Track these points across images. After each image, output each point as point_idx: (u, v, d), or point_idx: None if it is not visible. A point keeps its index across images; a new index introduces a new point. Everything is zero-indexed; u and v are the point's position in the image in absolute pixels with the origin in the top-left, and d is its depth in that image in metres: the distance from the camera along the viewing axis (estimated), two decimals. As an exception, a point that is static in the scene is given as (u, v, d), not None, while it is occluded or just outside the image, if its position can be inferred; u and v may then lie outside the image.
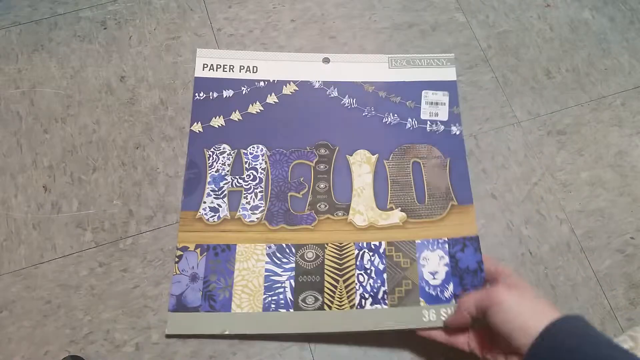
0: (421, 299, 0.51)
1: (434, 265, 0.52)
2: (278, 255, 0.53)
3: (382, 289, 0.52)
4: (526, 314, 0.40)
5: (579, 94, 0.62)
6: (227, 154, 0.57)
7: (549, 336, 0.38)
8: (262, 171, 0.56)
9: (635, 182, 0.58)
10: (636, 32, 0.65)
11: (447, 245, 0.53)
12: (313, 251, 0.53)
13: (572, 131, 0.60)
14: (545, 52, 0.63)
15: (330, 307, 0.51)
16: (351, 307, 0.51)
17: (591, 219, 0.56)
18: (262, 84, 0.60)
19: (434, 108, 0.59)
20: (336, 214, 0.55)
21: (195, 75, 0.60)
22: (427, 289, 0.51)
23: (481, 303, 0.44)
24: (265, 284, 0.52)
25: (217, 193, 0.55)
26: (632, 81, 0.62)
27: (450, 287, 0.51)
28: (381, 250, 0.53)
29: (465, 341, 0.47)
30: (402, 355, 0.50)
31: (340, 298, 0.51)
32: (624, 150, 0.59)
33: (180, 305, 0.51)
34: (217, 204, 0.55)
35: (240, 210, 0.55)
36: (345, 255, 0.53)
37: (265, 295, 0.51)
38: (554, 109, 0.61)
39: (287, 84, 0.60)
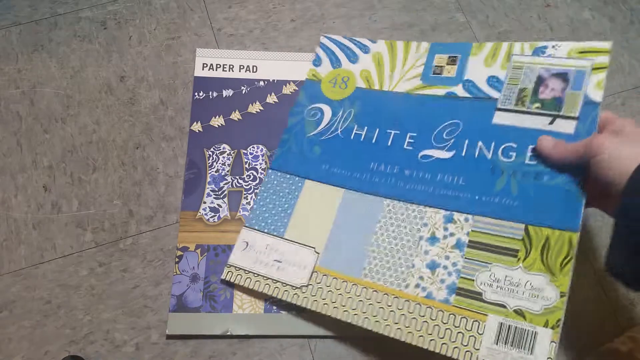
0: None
1: None
2: (278, 255, 0.53)
3: None
4: (628, 158, 0.38)
5: (579, 94, 0.61)
6: (227, 154, 0.57)
7: None
8: (262, 171, 0.56)
9: (635, 182, 0.58)
10: (636, 32, 0.65)
11: None
12: None
13: (572, 131, 0.60)
14: (545, 52, 0.63)
15: None
16: None
17: (591, 218, 0.56)
18: (262, 83, 0.60)
19: None
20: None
21: (195, 75, 0.60)
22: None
23: (582, 154, 0.42)
24: (266, 285, 0.52)
25: (217, 193, 0.55)
26: (632, 81, 0.62)
27: None
28: None
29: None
30: (402, 355, 0.50)
31: None
32: (624, 151, 0.59)
33: (181, 306, 0.51)
34: (217, 204, 0.55)
35: (241, 210, 0.55)
36: None
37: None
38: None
39: (287, 84, 0.60)
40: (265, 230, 0.53)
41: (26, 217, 0.54)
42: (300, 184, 0.54)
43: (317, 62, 0.60)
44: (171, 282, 0.52)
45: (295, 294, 0.49)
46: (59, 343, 0.50)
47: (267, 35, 0.63)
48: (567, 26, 0.65)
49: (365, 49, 0.59)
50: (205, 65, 0.61)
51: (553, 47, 0.51)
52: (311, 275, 0.50)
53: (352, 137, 0.55)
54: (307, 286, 0.49)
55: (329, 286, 0.49)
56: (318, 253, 0.51)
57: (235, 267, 0.51)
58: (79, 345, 0.50)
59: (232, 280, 0.51)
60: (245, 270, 0.51)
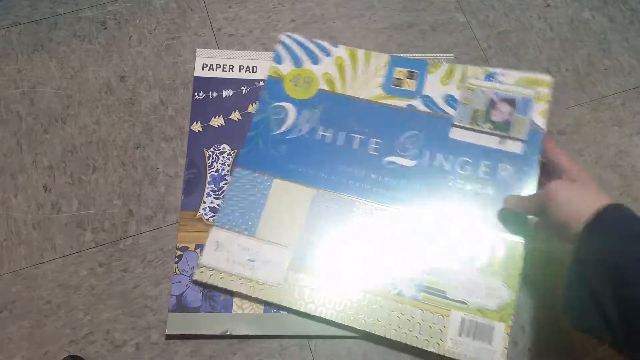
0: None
1: None
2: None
3: None
4: (580, 204, 0.42)
5: (579, 94, 0.61)
6: (227, 154, 0.57)
7: (599, 220, 0.40)
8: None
9: (635, 182, 0.58)
10: (636, 32, 0.65)
11: None
12: None
13: (572, 131, 0.60)
14: (545, 52, 0.63)
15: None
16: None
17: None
18: (261, 83, 0.60)
19: None
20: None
21: (195, 75, 0.60)
22: None
23: (539, 201, 0.46)
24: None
25: (217, 193, 0.55)
26: (632, 81, 0.62)
27: None
28: None
29: None
30: (402, 356, 0.50)
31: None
32: (624, 150, 0.59)
33: (181, 306, 0.51)
34: (217, 204, 0.55)
35: (240, 210, 0.55)
36: None
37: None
38: (553, 109, 0.61)
39: (287, 84, 0.60)
40: (236, 230, 0.52)
41: (26, 217, 0.54)
42: (269, 183, 0.54)
43: (278, 59, 0.60)
44: (171, 282, 0.52)
45: (272, 292, 0.50)
46: (59, 343, 0.50)
47: (267, 35, 0.63)
48: (567, 26, 0.65)
49: (326, 52, 0.60)
50: (205, 65, 0.61)
51: (502, 74, 0.57)
52: (285, 273, 0.51)
53: (318, 138, 0.56)
54: (282, 285, 0.50)
55: (304, 284, 0.50)
56: (291, 252, 0.51)
57: (208, 267, 0.51)
58: (79, 345, 0.50)
59: (205, 281, 0.51)
60: (219, 270, 0.51)
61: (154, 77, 0.60)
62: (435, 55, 0.62)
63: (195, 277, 0.51)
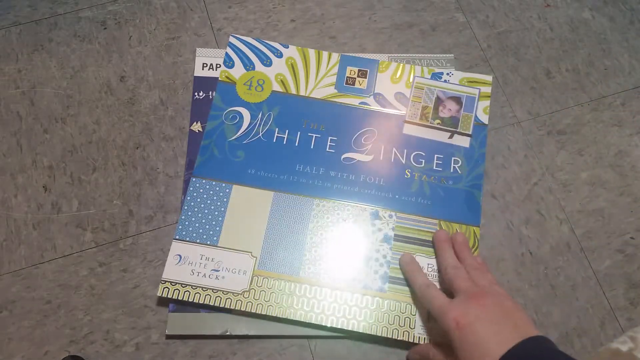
0: None
1: None
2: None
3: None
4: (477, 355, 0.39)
5: (579, 94, 0.62)
6: (227, 154, 0.57)
7: None
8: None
9: (635, 182, 0.58)
10: (636, 32, 0.65)
11: None
12: None
13: (572, 131, 0.60)
14: (545, 52, 0.63)
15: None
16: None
17: (591, 219, 0.56)
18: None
19: None
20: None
21: (195, 75, 0.60)
22: None
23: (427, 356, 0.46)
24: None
25: (217, 193, 0.55)
26: (632, 81, 0.62)
27: None
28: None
29: None
30: (402, 355, 0.50)
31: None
32: (624, 150, 0.59)
33: (181, 306, 0.51)
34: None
35: (240, 210, 0.55)
36: None
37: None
38: (554, 109, 0.61)
39: (287, 84, 0.60)
40: (198, 241, 0.52)
41: (26, 217, 0.54)
42: (228, 190, 0.54)
43: (228, 63, 0.60)
44: (171, 282, 0.52)
45: (238, 300, 0.50)
46: (59, 343, 0.50)
47: (267, 35, 0.63)
48: (567, 26, 0.65)
49: (278, 53, 0.60)
50: (205, 65, 0.61)
51: (447, 74, 0.60)
52: (251, 279, 0.51)
53: (274, 140, 0.56)
54: (248, 291, 0.50)
55: (270, 287, 0.50)
56: (255, 257, 0.51)
57: (171, 282, 0.50)
58: (79, 345, 0.50)
59: (169, 296, 0.50)
60: (182, 284, 0.50)
61: (154, 77, 0.60)
62: (435, 55, 0.62)
63: (159, 293, 0.50)
